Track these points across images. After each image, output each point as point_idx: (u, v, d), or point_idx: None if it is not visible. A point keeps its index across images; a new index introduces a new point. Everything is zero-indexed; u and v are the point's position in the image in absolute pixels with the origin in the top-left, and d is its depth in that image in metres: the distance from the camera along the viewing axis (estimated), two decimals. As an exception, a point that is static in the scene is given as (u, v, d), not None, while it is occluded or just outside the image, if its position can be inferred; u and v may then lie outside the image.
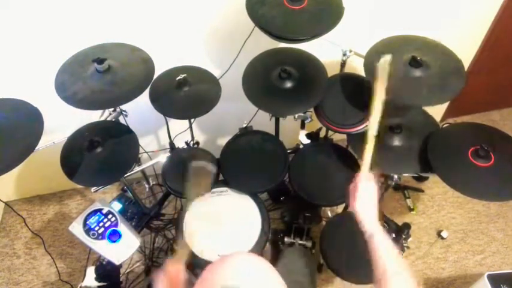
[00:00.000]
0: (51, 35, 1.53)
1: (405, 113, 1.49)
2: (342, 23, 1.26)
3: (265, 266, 0.76)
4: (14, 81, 1.65)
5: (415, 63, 1.25)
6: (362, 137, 1.44)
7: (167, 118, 1.57)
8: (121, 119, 1.60)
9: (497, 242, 2.15)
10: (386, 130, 1.42)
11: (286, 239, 1.71)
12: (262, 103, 1.44)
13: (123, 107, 1.58)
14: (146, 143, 2.11)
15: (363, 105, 1.45)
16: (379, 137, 1.05)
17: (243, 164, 1.58)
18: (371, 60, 1.34)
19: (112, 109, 1.56)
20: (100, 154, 1.39)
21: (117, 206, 1.65)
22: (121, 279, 1.72)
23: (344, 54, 1.50)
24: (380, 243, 0.89)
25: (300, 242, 1.70)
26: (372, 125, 1.06)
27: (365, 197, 0.99)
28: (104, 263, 1.45)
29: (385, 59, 1.07)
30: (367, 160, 1.05)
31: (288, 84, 1.43)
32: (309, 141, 1.69)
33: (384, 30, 1.41)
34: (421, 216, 2.25)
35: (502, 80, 2.42)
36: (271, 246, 1.80)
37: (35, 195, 2.42)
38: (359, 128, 1.43)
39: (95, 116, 1.55)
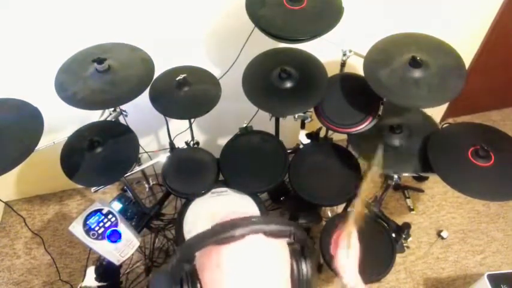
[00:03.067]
0: (51, 35, 1.53)
1: (405, 113, 1.49)
2: (342, 23, 1.26)
3: None
4: (14, 81, 1.65)
5: (415, 63, 1.25)
6: (362, 136, 1.44)
7: (167, 118, 1.57)
8: (121, 119, 1.59)
9: (497, 242, 2.15)
10: (386, 130, 1.43)
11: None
12: (262, 103, 1.44)
13: (123, 107, 1.58)
14: (146, 143, 2.11)
15: (363, 105, 1.45)
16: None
17: (243, 164, 1.57)
18: (371, 60, 1.34)
19: (112, 109, 1.56)
20: (100, 154, 1.39)
21: (117, 206, 1.65)
22: (121, 279, 1.72)
23: (344, 54, 1.50)
24: None
25: (300, 242, 1.70)
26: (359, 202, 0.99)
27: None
28: (104, 263, 1.45)
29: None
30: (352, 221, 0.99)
31: (288, 84, 1.43)
32: (309, 141, 1.69)
33: (384, 30, 1.40)
34: (421, 216, 2.25)
35: (502, 80, 2.42)
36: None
37: (35, 195, 2.41)
38: (359, 128, 1.43)
39: (95, 116, 1.55)
